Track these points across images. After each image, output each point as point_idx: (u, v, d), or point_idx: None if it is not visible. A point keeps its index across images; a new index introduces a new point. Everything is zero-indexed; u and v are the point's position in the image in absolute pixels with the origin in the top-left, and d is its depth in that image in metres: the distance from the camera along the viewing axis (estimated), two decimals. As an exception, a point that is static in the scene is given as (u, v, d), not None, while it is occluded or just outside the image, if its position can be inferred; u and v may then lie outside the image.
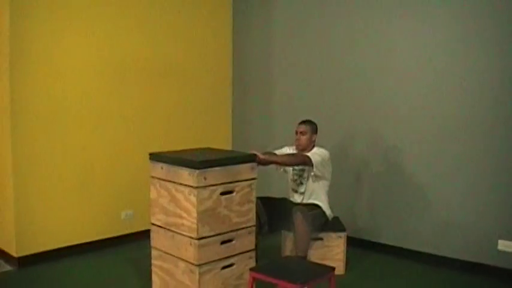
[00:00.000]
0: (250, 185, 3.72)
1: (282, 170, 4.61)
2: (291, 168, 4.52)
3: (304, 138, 4.39)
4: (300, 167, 4.42)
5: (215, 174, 3.49)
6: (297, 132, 4.45)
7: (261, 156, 3.97)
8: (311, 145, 4.42)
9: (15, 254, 4.41)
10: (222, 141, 6.06)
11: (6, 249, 4.52)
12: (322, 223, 4.30)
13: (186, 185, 3.46)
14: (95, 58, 4.81)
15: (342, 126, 5.14)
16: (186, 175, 3.46)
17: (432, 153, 4.57)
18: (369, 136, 4.96)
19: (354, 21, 5.01)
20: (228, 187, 3.58)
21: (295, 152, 4.47)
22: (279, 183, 4.98)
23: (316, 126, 4.47)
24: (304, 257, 4.12)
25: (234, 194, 3.62)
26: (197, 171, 3.38)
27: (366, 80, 4.95)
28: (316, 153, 4.31)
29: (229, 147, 6.15)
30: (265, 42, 5.80)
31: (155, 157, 3.77)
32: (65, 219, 4.69)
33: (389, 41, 4.78)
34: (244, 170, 3.68)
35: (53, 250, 4.61)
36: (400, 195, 4.79)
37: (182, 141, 5.39)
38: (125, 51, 5.03)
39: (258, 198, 4.18)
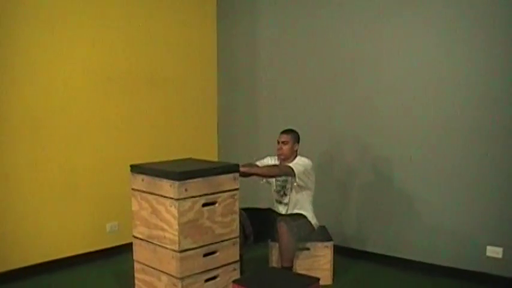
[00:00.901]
0: (233, 196, 3.68)
1: (264, 181, 4.56)
2: (273, 180, 4.46)
3: (286, 148, 4.31)
4: (283, 178, 4.37)
5: (196, 185, 3.44)
6: (278, 142, 4.36)
7: (242, 169, 3.91)
8: (293, 155, 4.35)
9: (-4, 270, 4.34)
10: (208, 151, 6.01)
11: (-13, 265, 4.45)
12: (307, 233, 4.25)
13: (167, 196, 3.42)
14: (78, 67, 4.75)
15: (329, 134, 5.09)
16: (166, 187, 3.41)
17: (420, 161, 4.53)
18: (357, 144, 4.92)
19: (342, 28, 4.97)
20: (210, 198, 3.54)
21: (277, 162, 4.42)
22: (264, 193, 4.92)
23: (298, 135, 4.40)
24: (290, 268, 4.06)
25: (217, 205, 3.58)
26: (178, 182, 3.34)
27: (355, 87, 4.91)
28: (298, 163, 4.24)
29: (214, 157, 6.09)
30: (251, 50, 5.77)
31: (136, 169, 3.72)
32: (49, 233, 4.61)
33: (380, 46, 4.73)
34: (227, 181, 3.64)
35: (36, 265, 4.52)
36: (388, 203, 4.75)
37: (168, 152, 5.33)
38: (109, 60, 4.98)
39: (242, 209, 4.17)
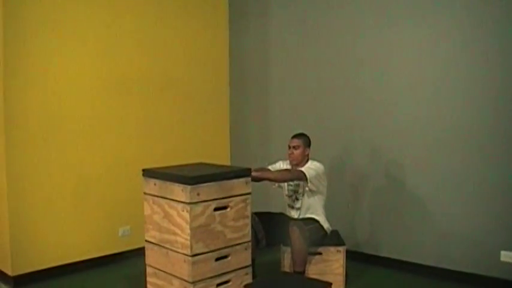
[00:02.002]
0: (244, 200, 3.67)
1: (276, 185, 4.54)
2: (285, 184, 4.45)
3: (297, 153, 4.32)
4: (295, 183, 4.36)
5: (208, 189, 3.44)
6: (289, 147, 4.37)
7: (254, 174, 3.90)
8: (305, 159, 4.35)
9: (10, 273, 4.35)
10: (220, 155, 6.01)
11: (2, 268, 4.46)
12: (320, 237, 4.23)
13: (179, 201, 3.42)
14: (91, 72, 4.79)
15: (341, 138, 5.08)
16: (178, 191, 3.41)
17: (432, 164, 4.51)
18: (368, 148, 4.90)
19: (353, 31, 4.97)
20: (222, 202, 3.54)
21: (289, 167, 4.41)
22: (275, 198, 4.91)
23: (309, 139, 4.40)
24: (302, 272, 4.05)
25: (228, 209, 3.57)
26: (190, 187, 3.34)
27: (365, 92, 4.90)
28: (310, 168, 4.23)
29: (227, 162, 6.09)
30: (263, 54, 5.77)
31: (148, 173, 3.73)
32: (62, 237, 4.63)
33: (388, 52, 4.73)
34: (238, 185, 3.63)
35: (50, 268, 4.55)
36: (401, 208, 4.72)
37: (180, 156, 5.33)
38: (122, 65, 5.02)
39: (255, 213, 4.16)
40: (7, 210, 4.32)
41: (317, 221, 4.26)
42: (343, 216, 5.04)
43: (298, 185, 4.35)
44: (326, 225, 4.32)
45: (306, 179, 4.16)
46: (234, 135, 6.16)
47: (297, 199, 4.38)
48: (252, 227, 3.96)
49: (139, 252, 4.69)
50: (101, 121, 4.88)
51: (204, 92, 5.82)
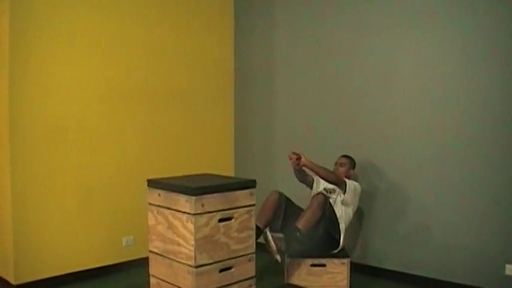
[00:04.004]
0: (249, 212, 3.67)
1: (314, 192, 4.61)
2: (321, 187, 4.60)
3: (341, 170, 4.57)
4: (331, 188, 4.48)
5: (213, 200, 3.45)
6: (336, 163, 4.65)
7: (304, 160, 4.27)
8: (348, 176, 4.58)
9: (13, 282, 4.34)
10: (224, 166, 6.00)
11: (5, 277, 4.45)
12: (330, 235, 4.30)
13: (183, 211, 3.42)
14: (96, 81, 4.80)
15: (344, 151, 5.06)
16: (183, 202, 3.42)
17: (436, 177, 4.50)
18: (371, 161, 4.90)
19: (357, 44, 4.97)
20: (226, 214, 3.54)
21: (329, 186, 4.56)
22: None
23: (355, 163, 4.69)
24: (301, 229, 4.05)
25: (233, 220, 3.57)
26: (194, 197, 3.34)
27: (369, 103, 4.89)
28: (353, 183, 4.46)
29: (231, 173, 6.09)
30: (268, 63, 5.78)
31: (152, 184, 3.73)
32: (65, 246, 4.63)
33: (392, 62, 4.72)
34: (243, 196, 3.63)
35: (52, 277, 4.53)
36: (405, 220, 4.70)
37: (184, 167, 5.34)
38: (126, 74, 5.02)
39: (283, 195, 4.43)
40: (11, 219, 4.31)
41: (338, 225, 4.34)
42: (347, 228, 5.02)
43: (333, 191, 4.46)
44: (342, 236, 4.36)
45: (345, 189, 4.33)
46: (239, 145, 6.16)
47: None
48: (276, 202, 4.31)
49: (143, 262, 4.69)
50: (106, 130, 4.88)
51: (209, 100, 5.83)
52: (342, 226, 4.34)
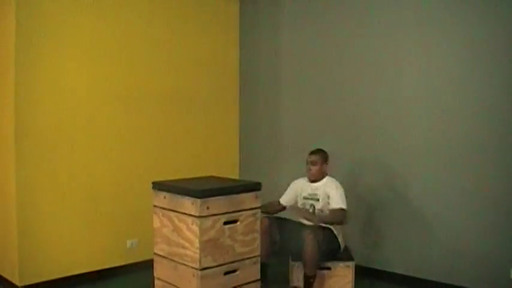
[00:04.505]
0: (254, 214, 3.67)
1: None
2: (301, 199, 4.55)
3: (315, 169, 4.43)
4: (311, 202, 4.45)
5: (218, 203, 3.44)
6: (307, 162, 4.47)
7: (317, 222, 4.23)
8: (322, 175, 4.47)
9: (18, 283, 4.35)
10: (230, 169, 6.00)
11: (10, 278, 4.46)
12: (332, 247, 4.27)
13: (188, 214, 3.42)
14: (101, 84, 4.81)
15: (351, 155, 5.06)
16: (188, 204, 3.41)
17: (441, 180, 4.49)
18: (377, 164, 4.89)
19: (362, 49, 4.97)
20: (232, 216, 3.53)
21: (305, 182, 4.52)
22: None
23: (327, 155, 4.51)
24: (313, 277, 4.08)
25: (238, 223, 3.57)
26: (200, 200, 3.34)
27: (375, 106, 4.89)
28: (341, 195, 4.32)
29: (236, 175, 6.08)
30: (273, 67, 5.78)
31: (158, 186, 3.73)
32: (70, 248, 4.63)
33: (397, 68, 4.73)
34: (248, 199, 3.63)
35: (57, 279, 4.54)
36: (410, 224, 4.69)
37: (189, 169, 5.34)
38: (133, 77, 5.04)
39: (272, 217, 4.35)
40: (16, 220, 4.32)
41: (332, 232, 4.28)
42: (351, 232, 5.01)
43: (316, 199, 4.41)
44: (340, 238, 4.34)
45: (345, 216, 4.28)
46: (244, 147, 6.15)
47: (314, 213, 4.40)
48: (268, 228, 4.18)
49: (147, 264, 4.69)
50: (112, 133, 4.89)
51: (214, 105, 5.84)
52: (335, 232, 4.34)
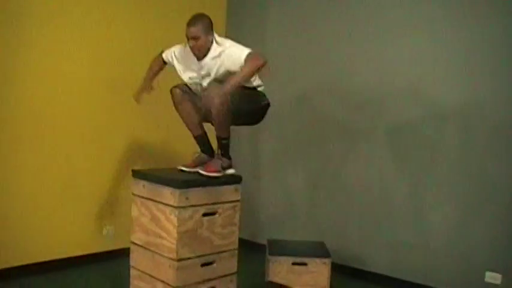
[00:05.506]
0: (233, 207, 3.65)
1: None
2: (187, 79, 3.80)
3: (199, 44, 3.51)
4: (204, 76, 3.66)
5: (198, 194, 3.41)
6: (187, 37, 3.55)
7: (229, 89, 3.33)
8: (209, 45, 3.56)
9: (-9, 267, 4.30)
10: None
11: (-17, 262, 4.41)
12: (256, 105, 3.71)
13: (167, 204, 3.38)
14: (83, 67, 4.74)
15: (332, 149, 5.06)
16: (167, 194, 3.38)
17: (420, 182, 4.51)
18: (358, 161, 4.89)
19: (352, 34, 4.97)
20: (211, 208, 3.51)
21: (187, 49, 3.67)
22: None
23: (209, 21, 3.57)
24: (226, 138, 3.69)
25: (217, 215, 3.54)
26: (179, 190, 3.31)
27: (357, 92, 4.90)
28: (234, 46, 3.55)
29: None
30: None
31: (137, 174, 3.69)
32: (44, 233, 4.57)
33: (390, 68, 4.75)
34: (228, 192, 3.61)
35: (31, 265, 4.49)
36: (389, 224, 4.71)
37: (170, 159, 5.29)
38: (115, 61, 4.97)
39: (184, 86, 3.79)
40: (-9, 204, 4.26)
41: (256, 90, 3.72)
42: (330, 229, 5.03)
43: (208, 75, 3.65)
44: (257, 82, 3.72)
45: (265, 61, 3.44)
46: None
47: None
48: (183, 95, 3.73)
49: (122, 253, 4.65)
50: (93, 120, 4.82)
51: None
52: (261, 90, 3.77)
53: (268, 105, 3.78)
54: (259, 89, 3.77)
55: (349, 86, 4.95)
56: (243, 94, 3.52)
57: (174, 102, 3.73)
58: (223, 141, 3.69)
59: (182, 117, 3.76)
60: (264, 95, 3.77)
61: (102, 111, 4.90)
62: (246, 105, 3.59)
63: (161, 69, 4.08)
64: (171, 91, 3.72)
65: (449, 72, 4.35)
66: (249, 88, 3.66)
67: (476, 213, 4.22)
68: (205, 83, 3.65)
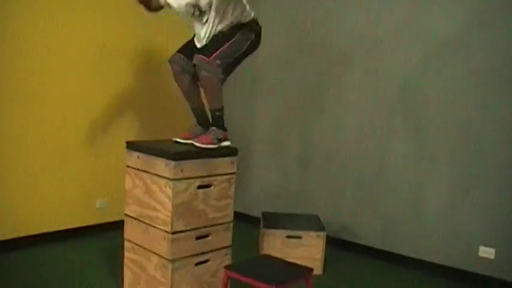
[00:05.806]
0: (229, 180, 3.60)
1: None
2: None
3: None
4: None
5: (193, 166, 3.37)
6: None
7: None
8: None
9: (-17, 240, 4.27)
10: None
11: (-25, 234, 4.38)
12: (238, 50, 3.55)
13: (162, 176, 3.34)
14: (77, 41, 4.66)
15: (326, 128, 5.03)
16: (162, 166, 3.33)
17: (415, 156, 4.50)
18: (353, 136, 4.87)
19: (343, 34, 4.92)
20: (206, 181, 3.46)
21: None
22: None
23: None
24: (219, 109, 3.60)
25: (212, 188, 3.50)
26: (174, 162, 3.25)
27: (352, 89, 4.86)
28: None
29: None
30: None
31: (132, 146, 3.63)
32: (38, 206, 4.54)
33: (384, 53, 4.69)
34: (223, 164, 3.56)
35: (24, 237, 4.47)
36: (383, 198, 4.71)
37: (165, 131, 5.26)
38: (109, 35, 4.89)
39: (179, 58, 3.65)
40: (-17, 176, 4.21)
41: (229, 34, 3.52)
42: (325, 203, 5.02)
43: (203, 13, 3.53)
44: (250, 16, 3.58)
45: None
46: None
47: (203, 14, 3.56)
48: (181, 68, 3.60)
49: (116, 225, 4.64)
50: (86, 91, 4.75)
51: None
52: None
53: (259, 34, 3.62)
54: (248, 18, 3.56)
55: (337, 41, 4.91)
56: (230, 51, 3.45)
57: (173, 74, 3.64)
58: (217, 113, 3.62)
59: (180, 88, 3.69)
60: (251, 26, 3.56)
61: (95, 81, 4.83)
62: (237, 52, 3.51)
63: None
64: (169, 61, 3.62)
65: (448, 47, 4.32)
66: (235, 33, 3.51)
67: (471, 188, 4.22)
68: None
